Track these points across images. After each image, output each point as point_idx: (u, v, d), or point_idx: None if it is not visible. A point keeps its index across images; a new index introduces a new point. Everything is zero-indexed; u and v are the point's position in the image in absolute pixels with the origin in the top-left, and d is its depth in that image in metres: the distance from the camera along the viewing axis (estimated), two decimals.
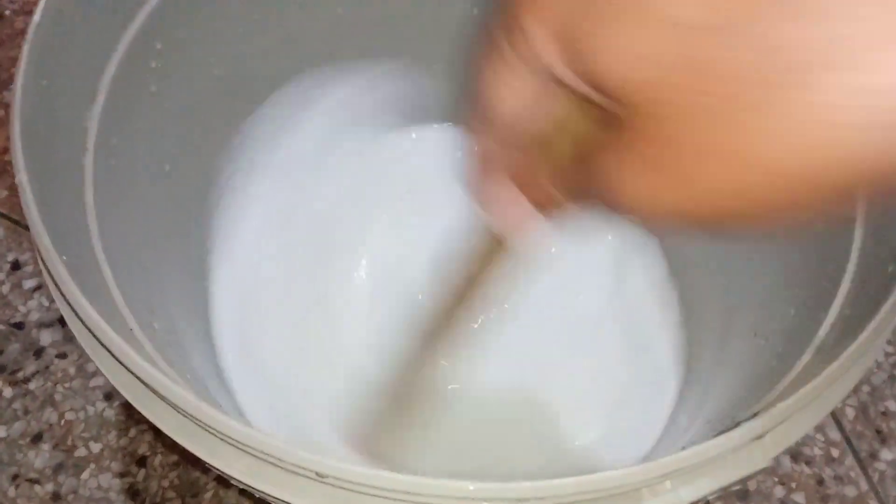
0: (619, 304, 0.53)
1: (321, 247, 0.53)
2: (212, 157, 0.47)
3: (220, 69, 0.44)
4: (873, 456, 0.57)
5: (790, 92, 0.16)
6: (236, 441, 0.26)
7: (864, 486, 0.56)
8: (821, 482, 0.56)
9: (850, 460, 0.56)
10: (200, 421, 0.26)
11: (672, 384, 0.49)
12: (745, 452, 0.28)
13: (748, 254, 0.45)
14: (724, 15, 0.16)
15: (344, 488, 0.26)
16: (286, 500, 0.27)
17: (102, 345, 0.27)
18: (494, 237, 0.29)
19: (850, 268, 0.35)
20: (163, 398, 0.27)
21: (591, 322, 0.52)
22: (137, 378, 0.26)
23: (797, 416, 0.29)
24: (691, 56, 0.16)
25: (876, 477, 0.56)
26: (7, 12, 0.72)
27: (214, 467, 0.28)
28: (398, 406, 0.43)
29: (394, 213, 0.55)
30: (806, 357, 0.33)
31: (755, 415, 0.28)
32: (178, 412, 0.27)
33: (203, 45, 0.43)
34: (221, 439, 0.27)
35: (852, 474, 0.56)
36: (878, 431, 0.57)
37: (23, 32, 0.69)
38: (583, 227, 0.25)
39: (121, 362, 0.27)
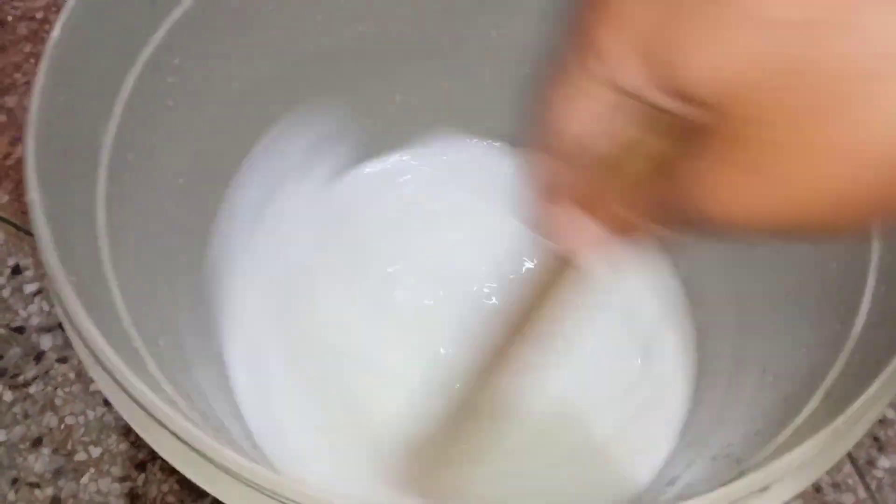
0: (633, 331, 0.52)
1: (340, 267, 0.53)
2: (229, 172, 0.47)
3: (238, 84, 0.44)
4: (871, 463, 0.57)
5: (891, 81, 0.16)
6: (231, 472, 0.26)
7: (862, 493, 0.56)
8: (819, 489, 0.56)
9: (847, 468, 0.57)
10: (198, 450, 0.26)
11: (679, 414, 0.49)
12: (748, 502, 0.28)
13: (763, 287, 0.45)
14: (819, 8, 0.16)
15: None
16: None
17: (106, 369, 0.27)
18: (558, 262, 0.29)
19: (863, 311, 0.35)
20: (163, 426, 0.26)
21: (608, 350, 0.51)
22: (138, 404, 0.26)
23: (803, 465, 0.28)
24: (789, 53, 0.16)
25: (874, 484, 0.56)
26: (9, 18, 0.72)
27: (212, 493, 0.28)
28: (445, 440, 0.42)
29: (428, 234, 0.54)
30: (813, 403, 0.33)
31: (759, 465, 0.27)
32: (178, 440, 0.27)
33: (221, 60, 0.43)
34: (219, 469, 0.27)
35: (850, 482, 0.56)
36: (876, 439, 0.58)
37: (26, 38, 0.70)
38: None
39: (123, 388, 0.26)
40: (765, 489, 0.27)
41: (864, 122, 0.16)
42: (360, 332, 0.50)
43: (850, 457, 0.57)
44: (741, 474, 0.27)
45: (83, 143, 0.34)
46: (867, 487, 0.56)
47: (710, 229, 0.20)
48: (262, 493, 0.27)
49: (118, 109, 0.36)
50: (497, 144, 0.56)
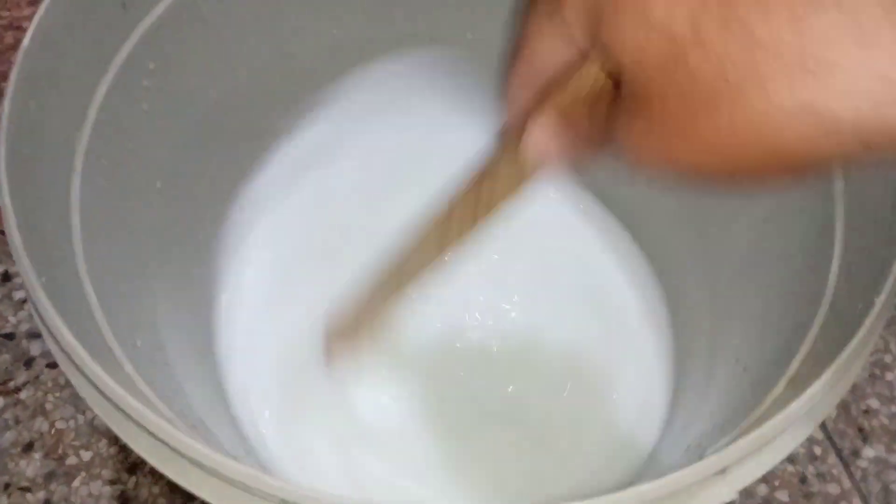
0: (606, 320, 0.53)
1: (327, 256, 0.53)
2: (210, 176, 0.47)
3: (214, 90, 0.45)
4: (855, 454, 0.57)
5: (743, 100, 0.19)
6: (201, 464, 0.27)
7: (846, 483, 0.56)
8: (804, 480, 0.56)
9: (832, 458, 0.57)
10: (167, 442, 0.26)
11: (659, 409, 0.49)
12: (710, 486, 0.28)
13: (733, 276, 0.46)
14: (702, 34, 0.19)
15: None
16: None
17: (77, 367, 0.27)
18: (515, 165, 0.30)
19: (826, 300, 0.35)
20: (132, 420, 0.27)
21: (583, 344, 0.52)
22: (108, 399, 0.27)
23: (764, 449, 0.29)
24: (676, 59, 0.20)
25: (858, 475, 0.56)
26: None
27: (185, 488, 0.28)
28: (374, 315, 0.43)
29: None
30: (778, 389, 0.33)
31: (719, 448, 0.28)
32: (148, 434, 0.28)
33: (198, 64, 0.43)
34: (190, 462, 0.27)
35: (835, 472, 0.56)
36: (861, 429, 0.58)
37: (12, 47, 0.70)
38: None
39: (94, 384, 0.27)
40: (722, 472, 0.28)
41: (727, 120, 0.20)
42: None
43: (835, 447, 0.57)
44: (699, 458, 0.27)
45: (56, 148, 0.35)
46: (852, 477, 0.56)
47: (632, 167, 0.24)
48: (234, 486, 0.27)
49: (92, 114, 0.36)
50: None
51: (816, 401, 0.29)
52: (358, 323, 0.45)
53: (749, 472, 0.29)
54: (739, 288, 0.44)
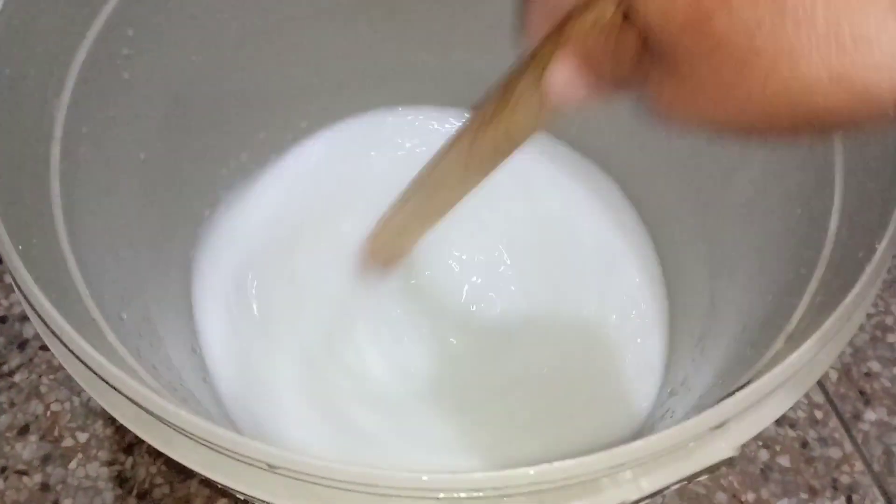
0: (604, 281, 0.53)
1: (312, 228, 0.53)
2: (194, 146, 0.47)
3: (197, 55, 0.44)
4: (857, 417, 0.57)
5: (780, 63, 0.19)
6: (187, 432, 0.26)
7: (848, 447, 0.56)
8: (805, 445, 0.56)
9: (833, 422, 0.57)
10: (149, 410, 0.26)
11: (656, 371, 0.49)
12: (709, 442, 0.28)
13: (732, 233, 0.45)
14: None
15: (295, 478, 0.26)
16: (241, 490, 0.27)
17: (53, 333, 0.27)
18: (536, 97, 0.29)
19: (825, 254, 0.35)
20: (116, 390, 0.26)
21: (574, 305, 0.52)
22: (86, 366, 0.26)
23: (762, 404, 0.28)
24: (702, 18, 0.20)
25: (860, 438, 0.56)
26: None
27: (173, 457, 0.28)
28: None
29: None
30: (777, 345, 0.33)
31: (716, 403, 0.27)
32: (133, 404, 0.27)
33: (178, 30, 0.42)
34: (175, 430, 0.27)
35: (836, 436, 0.56)
36: (862, 392, 0.58)
37: None
38: None
39: (70, 350, 0.26)
40: (721, 426, 0.27)
41: (761, 86, 0.20)
42: (336, 294, 0.51)
43: (836, 411, 0.57)
44: (698, 413, 0.27)
45: (34, 115, 0.34)
46: (853, 441, 0.56)
47: (658, 119, 0.24)
48: (218, 451, 0.26)
49: (70, 82, 0.35)
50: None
51: (816, 352, 0.28)
52: (390, 241, 0.45)
53: (748, 428, 0.29)
54: (737, 244, 0.44)
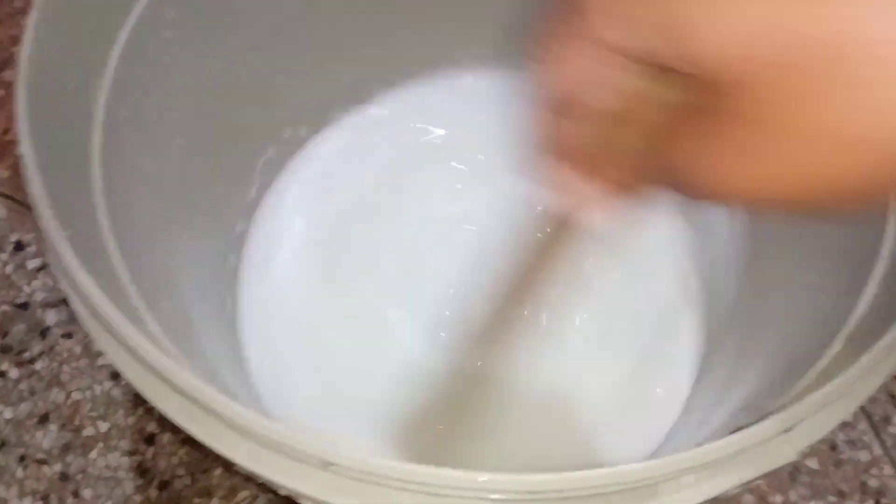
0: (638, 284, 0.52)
1: (359, 231, 0.52)
2: (235, 133, 0.46)
3: (237, 40, 0.43)
4: (886, 420, 0.56)
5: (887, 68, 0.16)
6: (238, 425, 0.25)
7: (877, 450, 0.55)
8: (834, 447, 0.55)
9: (863, 424, 0.56)
10: (202, 403, 0.25)
11: (688, 370, 0.48)
12: (772, 446, 0.27)
13: (777, 233, 0.44)
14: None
15: (349, 477, 0.25)
16: (292, 487, 0.26)
17: (103, 324, 0.26)
18: (559, 221, 0.28)
19: (884, 252, 0.34)
20: (164, 379, 0.26)
21: (611, 302, 0.51)
22: (137, 358, 0.25)
23: (827, 408, 0.28)
24: (791, 32, 0.16)
25: (889, 441, 0.55)
26: None
27: (217, 451, 0.27)
28: (441, 400, 0.42)
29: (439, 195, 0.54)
30: (836, 346, 0.32)
31: (783, 407, 0.26)
32: (179, 394, 0.26)
33: (219, 13, 0.42)
34: (224, 423, 0.26)
35: (865, 438, 0.56)
36: (892, 395, 0.57)
37: (22, 11, 0.69)
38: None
39: (120, 342, 0.26)
40: (788, 430, 0.26)
41: (855, 107, 0.16)
42: (377, 296, 0.50)
43: (866, 413, 0.56)
44: (764, 417, 0.26)
45: (76, 97, 0.33)
46: (883, 444, 0.55)
47: (705, 199, 0.21)
48: (270, 448, 0.26)
49: (112, 64, 0.35)
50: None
51: (886, 355, 0.27)
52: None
53: (812, 432, 0.28)
54: (785, 238, 0.42)
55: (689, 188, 0.21)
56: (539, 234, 0.31)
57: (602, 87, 0.22)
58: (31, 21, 0.31)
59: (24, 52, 0.31)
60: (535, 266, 0.32)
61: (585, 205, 0.26)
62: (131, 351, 0.25)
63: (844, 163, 0.17)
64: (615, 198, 0.25)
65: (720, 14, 0.17)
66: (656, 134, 0.22)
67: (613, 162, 0.24)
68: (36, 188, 0.28)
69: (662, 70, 0.20)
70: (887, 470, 0.54)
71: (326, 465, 0.25)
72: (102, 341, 0.27)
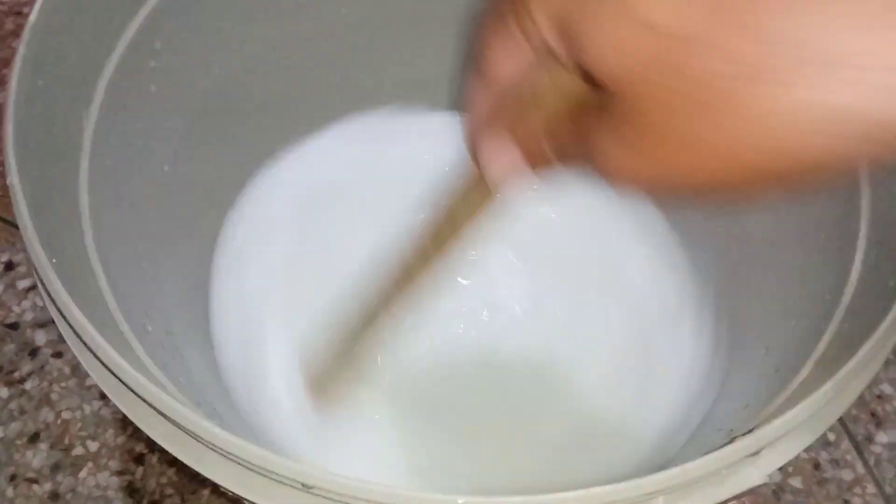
0: (634, 306, 0.52)
1: (331, 251, 0.52)
2: (217, 163, 0.47)
3: (221, 69, 0.44)
4: (869, 439, 0.57)
5: (745, 99, 0.17)
6: (221, 449, 0.26)
7: (860, 469, 0.56)
8: (817, 466, 0.56)
9: (846, 444, 0.57)
10: (185, 427, 0.26)
11: (682, 390, 0.48)
12: (741, 469, 0.28)
13: (752, 260, 0.45)
14: (691, 25, 0.17)
15: (330, 498, 0.26)
16: None
17: (89, 348, 0.27)
18: (481, 185, 0.29)
19: (852, 280, 0.35)
20: (148, 404, 0.26)
21: (600, 326, 0.51)
22: (123, 383, 0.26)
23: (794, 432, 0.28)
24: (664, 58, 0.18)
25: (872, 460, 0.56)
26: None
27: (201, 473, 0.28)
28: (353, 355, 0.43)
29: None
30: (805, 371, 0.33)
31: (750, 431, 0.27)
32: (167, 420, 0.27)
33: (204, 44, 0.42)
34: (208, 447, 0.27)
35: (848, 458, 0.56)
36: (874, 415, 0.58)
37: (13, 33, 0.70)
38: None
39: (107, 367, 0.26)
40: (756, 454, 0.27)
41: (718, 127, 0.18)
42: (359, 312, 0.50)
43: (849, 433, 0.57)
44: (731, 440, 0.27)
45: (64, 126, 0.34)
46: (865, 463, 0.56)
47: (607, 182, 0.23)
48: (253, 470, 0.26)
49: (99, 94, 0.35)
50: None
51: (850, 380, 0.28)
52: (336, 366, 0.44)
53: (779, 456, 0.29)
54: (761, 268, 0.44)
55: (594, 169, 0.23)
56: (455, 197, 0.32)
57: (522, 73, 0.25)
58: (19, 52, 0.32)
59: (12, 82, 0.31)
60: (447, 227, 0.33)
61: (504, 170, 0.27)
62: (122, 381, 0.26)
63: (712, 167, 0.19)
64: (535, 169, 0.27)
65: (605, 31, 0.19)
66: (563, 119, 0.24)
67: (532, 134, 0.25)
68: (24, 218, 0.29)
69: (565, 70, 0.23)
70: (870, 489, 0.55)
71: (307, 487, 0.25)
72: (92, 369, 0.28)
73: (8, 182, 0.30)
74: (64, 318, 0.28)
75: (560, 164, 0.25)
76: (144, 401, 0.26)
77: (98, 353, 0.26)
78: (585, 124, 0.22)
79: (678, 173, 0.20)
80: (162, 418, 0.27)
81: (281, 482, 0.26)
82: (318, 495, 0.26)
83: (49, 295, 0.28)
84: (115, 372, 0.26)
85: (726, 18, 0.17)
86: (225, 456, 0.27)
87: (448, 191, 0.32)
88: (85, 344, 0.27)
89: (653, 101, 0.19)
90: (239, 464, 0.27)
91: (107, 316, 0.32)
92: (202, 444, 0.27)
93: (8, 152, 0.30)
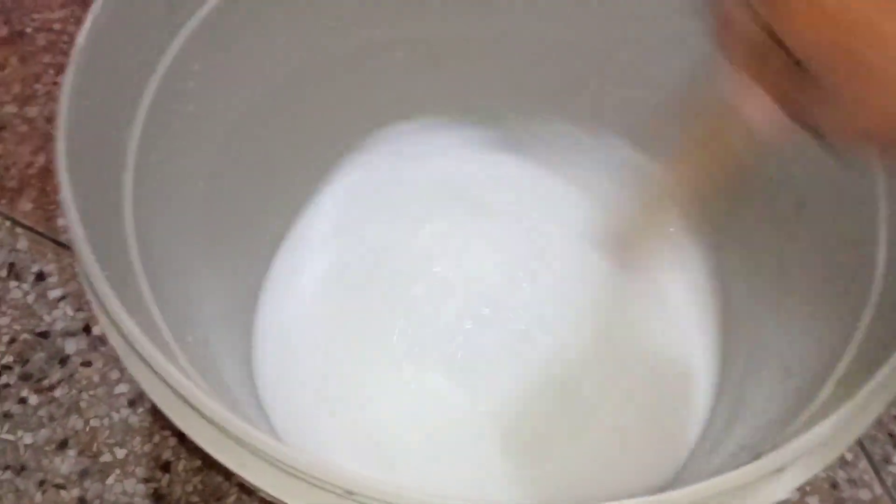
0: (654, 318, 0.53)
1: (376, 276, 0.53)
2: (257, 176, 0.48)
3: (258, 89, 0.45)
4: (886, 460, 0.57)
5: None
6: (266, 454, 0.27)
7: (878, 489, 0.56)
8: (835, 486, 0.56)
9: (863, 464, 0.57)
10: (231, 433, 0.27)
11: (701, 407, 0.49)
12: (766, 485, 0.29)
13: (775, 279, 0.46)
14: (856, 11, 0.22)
15: None
16: None
17: (142, 359, 0.28)
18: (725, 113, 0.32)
19: (872, 302, 0.36)
20: (196, 410, 0.27)
21: (626, 338, 0.52)
22: (173, 391, 0.27)
23: (816, 450, 0.29)
24: (846, 39, 0.22)
25: (889, 480, 0.56)
26: (28, 30, 0.73)
27: (245, 479, 0.29)
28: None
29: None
30: (826, 390, 0.34)
31: (773, 448, 0.28)
32: (211, 424, 0.28)
33: (241, 66, 0.44)
34: (252, 452, 0.28)
35: (866, 478, 0.56)
36: (891, 435, 0.58)
37: (45, 49, 0.71)
38: None
39: (158, 375, 0.27)
40: (779, 471, 0.28)
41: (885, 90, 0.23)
42: (391, 337, 0.51)
43: (866, 453, 0.57)
44: (756, 458, 0.28)
45: (110, 145, 0.35)
46: (883, 483, 0.56)
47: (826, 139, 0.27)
48: (294, 474, 0.27)
49: (141, 114, 0.37)
50: None
51: (871, 400, 0.29)
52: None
53: (802, 472, 0.29)
54: (780, 284, 0.44)
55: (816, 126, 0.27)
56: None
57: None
58: (68, 75, 0.33)
59: (62, 104, 0.33)
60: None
61: (754, 101, 0.30)
62: (172, 389, 0.27)
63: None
64: (777, 105, 0.29)
65: (800, 12, 0.23)
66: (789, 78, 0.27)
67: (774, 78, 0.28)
68: (77, 232, 0.30)
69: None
70: None
71: (349, 493, 0.26)
72: (141, 379, 0.29)
73: (60, 198, 0.31)
74: (115, 329, 0.29)
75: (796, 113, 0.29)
76: (194, 407, 0.27)
77: (152, 364, 0.27)
78: (799, 85, 0.26)
79: (873, 125, 0.25)
80: (206, 424, 0.28)
81: (323, 488, 0.27)
82: (358, 502, 0.27)
83: (103, 307, 0.29)
84: (168, 381, 0.27)
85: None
86: (269, 462, 0.27)
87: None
88: (139, 355, 0.28)
89: (836, 66, 0.24)
90: (282, 469, 0.27)
91: (152, 326, 0.33)
92: (246, 449, 0.28)
93: (60, 171, 0.31)
